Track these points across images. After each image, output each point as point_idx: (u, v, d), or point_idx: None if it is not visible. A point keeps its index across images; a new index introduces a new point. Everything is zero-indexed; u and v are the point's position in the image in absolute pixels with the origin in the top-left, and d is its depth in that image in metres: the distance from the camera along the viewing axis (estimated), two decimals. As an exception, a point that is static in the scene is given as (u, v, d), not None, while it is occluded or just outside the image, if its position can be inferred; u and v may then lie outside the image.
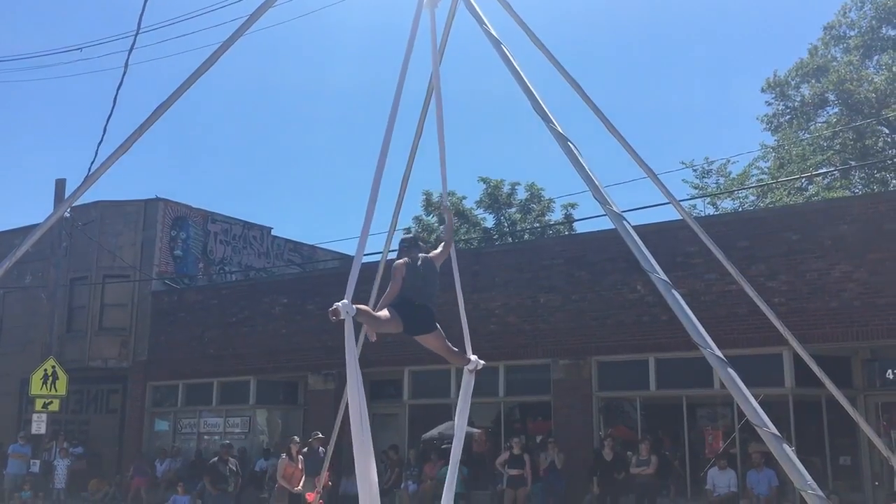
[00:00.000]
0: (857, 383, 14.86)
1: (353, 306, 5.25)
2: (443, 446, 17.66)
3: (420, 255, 6.28)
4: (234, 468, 15.90)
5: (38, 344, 23.68)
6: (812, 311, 14.52)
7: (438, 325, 6.27)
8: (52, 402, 20.85)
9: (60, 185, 22.83)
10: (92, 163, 12.38)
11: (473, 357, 7.01)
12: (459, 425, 7.04)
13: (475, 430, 18.51)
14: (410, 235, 6.62)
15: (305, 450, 15.62)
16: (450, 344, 6.52)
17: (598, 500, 15.49)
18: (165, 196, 25.45)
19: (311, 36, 64.77)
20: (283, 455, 15.18)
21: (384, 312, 5.80)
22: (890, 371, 14.60)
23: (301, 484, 14.78)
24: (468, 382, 6.97)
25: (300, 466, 14.84)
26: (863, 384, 14.88)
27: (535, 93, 4.85)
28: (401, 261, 6.14)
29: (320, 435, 15.88)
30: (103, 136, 10.90)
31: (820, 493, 3.29)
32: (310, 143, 64.71)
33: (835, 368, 12.70)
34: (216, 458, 15.81)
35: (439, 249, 6.61)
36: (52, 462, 21.54)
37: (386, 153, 5.64)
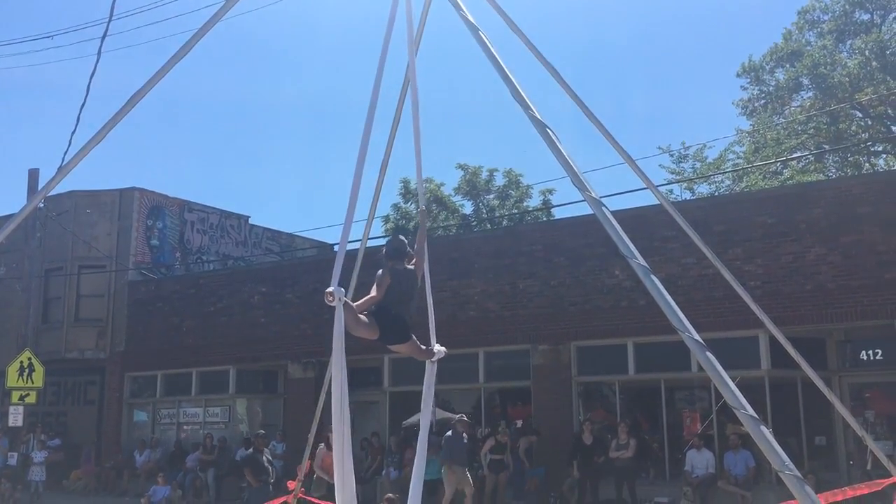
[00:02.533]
0: (831, 365, 15.05)
1: (344, 298, 5.19)
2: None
3: (403, 267, 6.17)
4: (269, 458, 14.85)
5: (14, 336, 23.44)
6: (787, 293, 14.68)
7: (413, 335, 6.21)
8: (28, 395, 20.65)
9: (34, 175, 22.52)
10: (66, 152, 12.24)
11: (436, 348, 6.86)
12: (424, 416, 6.92)
13: (455, 415, 18.58)
14: (401, 245, 6.32)
15: (449, 433, 14.77)
16: (419, 344, 6.46)
17: (579, 484, 15.61)
18: (141, 185, 25.26)
19: (287, 25, 64.30)
20: (322, 445, 14.40)
21: (363, 317, 5.72)
22: (864, 352, 14.81)
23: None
24: (431, 373, 6.87)
25: None
26: (837, 365, 15.08)
27: (512, 78, 4.84)
28: (384, 271, 5.97)
29: (465, 418, 15.09)
30: (77, 125, 10.75)
31: (797, 473, 3.34)
32: (287, 131, 64.37)
33: (810, 350, 12.84)
34: (252, 449, 14.78)
35: (414, 260, 6.40)
36: (30, 454, 21.38)
37: (367, 144, 5.58)
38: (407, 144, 6.95)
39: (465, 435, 14.91)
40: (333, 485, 13.85)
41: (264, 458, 14.52)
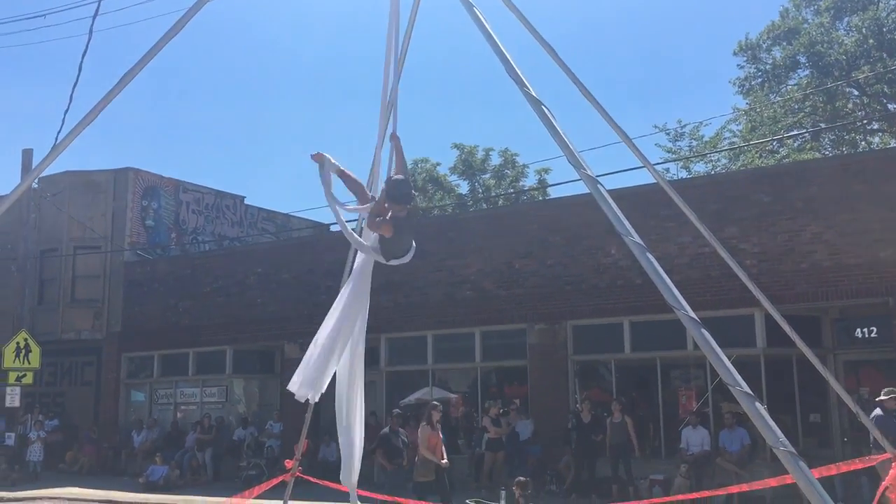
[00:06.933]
0: (826, 342, 15.11)
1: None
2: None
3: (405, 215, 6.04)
4: (405, 439, 13.40)
5: (10, 317, 23.42)
6: (783, 272, 14.70)
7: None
8: (25, 375, 20.70)
9: (27, 155, 22.48)
10: (59, 132, 12.17)
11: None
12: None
13: (452, 395, 18.65)
14: (407, 189, 5.94)
15: (878, 412, 10.77)
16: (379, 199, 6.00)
17: (576, 462, 15.69)
18: (136, 166, 25.13)
19: (282, 3, 63.81)
20: (424, 423, 13.10)
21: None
22: (858, 330, 14.86)
23: (444, 456, 12.63)
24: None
25: (441, 436, 12.88)
26: (832, 343, 15.14)
27: (508, 56, 4.81)
28: (385, 220, 5.85)
29: None
30: (69, 104, 10.69)
31: (791, 449, 3.35)
32: (283, 111, 64.08)
33: (805, 328, 12.89)
34: (387, 429, 13.32)
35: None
36: (28, 435, 21.45)
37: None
38: (404, 127, 6.89)
39: None
40: (441, 467, 12.81)
41: (401, 438, 12.95)
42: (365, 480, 17.53)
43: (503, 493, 13.64)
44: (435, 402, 13.78)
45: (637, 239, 4.02)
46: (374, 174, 6.58)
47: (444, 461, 12.60)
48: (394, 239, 5.85)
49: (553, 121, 4.52)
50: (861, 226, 14.22)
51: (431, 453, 12.48)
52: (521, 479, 12.00)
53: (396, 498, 12.28)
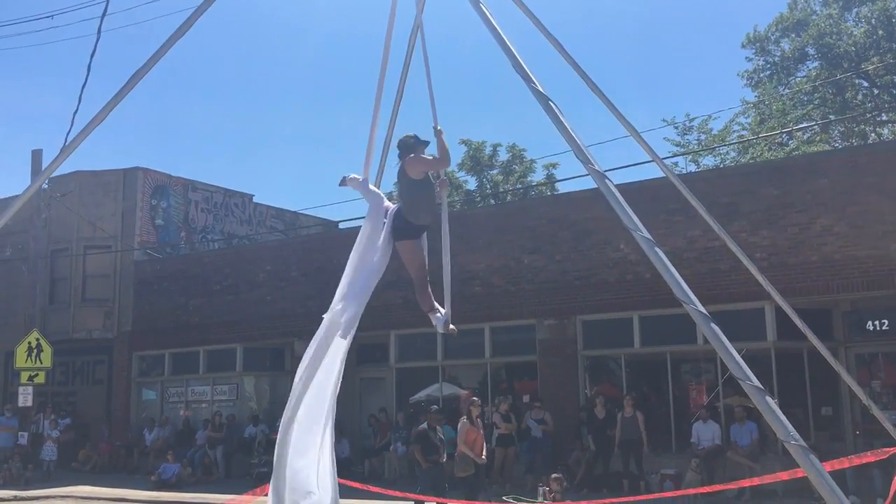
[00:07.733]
0: (838, 335, 15.04)
1: None
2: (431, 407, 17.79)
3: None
4: (442, 436, 12.67)
5: (21, 316, 23.53)
6: (793, 265, 14.64)
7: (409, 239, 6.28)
8: (37, 375, 20.80)
9: (37, 155, 22.57)
10: (68, 132, 12.23)
11: (445, 322, 6.46)
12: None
13: (462, 390, 18.65)
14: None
15: None
16: (422, 262, 6.53)
17: (593, 457, 15.70)
18: (145, 165, 25.22)
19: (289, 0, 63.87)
20: (464, 418, 12.79)
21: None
22: (870, 322, 14.79)
23: (484, 451, 12.49)
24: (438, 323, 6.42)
25: (481, 431, 12.65)
26: (844, 336, 15.07)
27: (514, 50, 4.80)
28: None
29: None
30: (78, 104, 10.77)
31: (802, 443, 3.34)
32: (291, 108, 64.18)
33: (816, 321, 12.81)
34: (424, 425, 12.61)
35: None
36: (42, 433, 21.57)
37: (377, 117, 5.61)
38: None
39: None
40: (479, 463, 12.43)
41: (438, 435, 12.59)
42: (376, 477, 17.55)
43: (541, 489, 13.69)
44: (474, 398, 13.64)
45: (645, 233, 4.01)
46: (369, 156, 6.58)
47: (483, 457, 12.50)
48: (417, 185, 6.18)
49: (560, 115, 4.51)
50: (871, 218, 14.15)
51: (470, 448, 12.38)
52: (557, 475, 12.02)
53: (410, 494, 12.33)
